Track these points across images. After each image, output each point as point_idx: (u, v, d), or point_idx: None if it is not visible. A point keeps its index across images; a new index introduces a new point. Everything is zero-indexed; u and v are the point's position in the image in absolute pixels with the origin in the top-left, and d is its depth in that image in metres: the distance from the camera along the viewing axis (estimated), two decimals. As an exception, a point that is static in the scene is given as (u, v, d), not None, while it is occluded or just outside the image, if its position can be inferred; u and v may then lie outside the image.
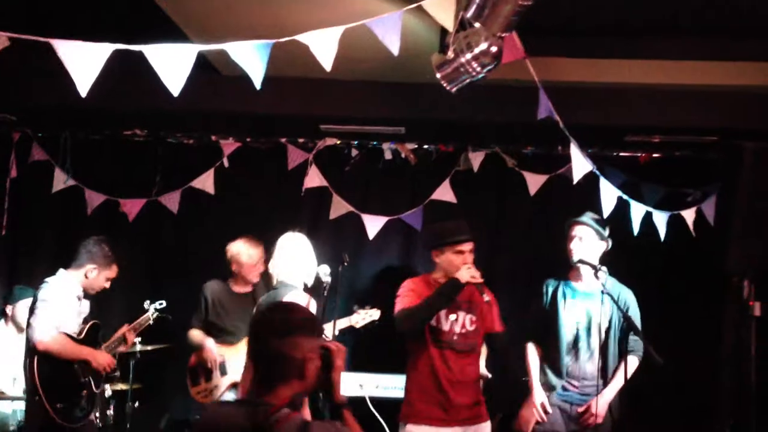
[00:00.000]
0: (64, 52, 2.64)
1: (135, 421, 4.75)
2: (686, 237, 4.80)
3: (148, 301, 4.76)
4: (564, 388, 4.18)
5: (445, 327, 3.86)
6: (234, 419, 2.09)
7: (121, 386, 4.74)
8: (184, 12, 3.91)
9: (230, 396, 4.63)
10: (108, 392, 4.57)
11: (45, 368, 3.87)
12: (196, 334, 4.84)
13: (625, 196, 4.34)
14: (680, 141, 5.18)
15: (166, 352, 4.96)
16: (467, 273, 3.78)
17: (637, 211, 4.46)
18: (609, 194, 4.23)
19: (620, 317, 4.07)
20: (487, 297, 3.88)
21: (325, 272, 3.99)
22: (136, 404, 4.79)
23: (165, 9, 3.82)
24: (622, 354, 4.07)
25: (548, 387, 4.20)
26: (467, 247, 3.88)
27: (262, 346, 2.18)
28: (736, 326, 4.67)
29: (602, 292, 3.99)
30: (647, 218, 4.54)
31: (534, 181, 5.36)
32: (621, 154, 5.39)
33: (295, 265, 3.86)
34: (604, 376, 4.11)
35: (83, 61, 2.64)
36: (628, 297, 4.19)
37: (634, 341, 4.07)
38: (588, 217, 4.22)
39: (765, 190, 3.81)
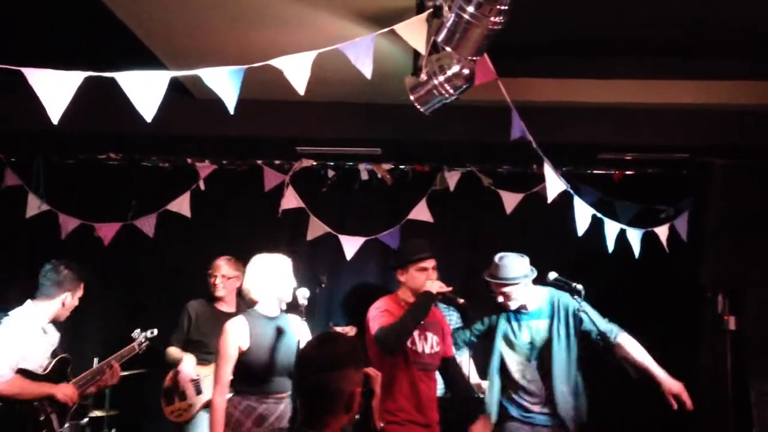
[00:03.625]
0: (35, 80, 2.62)
1: (112, 449, 4.71)
2: (661, 253, 4.85)
3: (138, 330, 4.59)
4: (526, 409, 4.16)
5: (419, 347, 3.91)
6: None
7: (97, 413, 4.67)
8: (157, 37, 3.92)
9: (204, 415, 4.58)
10: (84, 419, 4.49)
11: (1, 408, 3.67)
12: (174, 351, 4.78)
13: (599, 214, 4.38)
14: (652, 158, 5.25)
15: (142, 377, 4.90)
16: (436, 285, 3.87)
17: (612, 228, 4.49)
18: (583, 213, 4.26)
19: (575, 326, 4.11)
20: (461, 300, 3.95)
21: (303, 295, 3.96)
22: (113, 431, 4.73)
23: (139, 35, 3.82)
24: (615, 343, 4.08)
25: (506, 416, 4.20)
26: (430, 263, 3.95)
27: (311, 380, 2.18)
28: (711, 341, 4.71)
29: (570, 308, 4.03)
30: (621, 235, 4.58)
31: (510, 200, 5.41)
32: (594, 172, 5.46)
33: (266, 286, 3.68)
34: (551, 390, 4.08)
35: (55, 89, 2.62)
36: (566, 300, 4.17)
37: (608, 331, 4.07)
38: (500, 272, 4.16)
39: (735, 206, 3.87)
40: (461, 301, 3.97)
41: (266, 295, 3.66)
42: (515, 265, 4.15)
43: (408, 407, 3.84)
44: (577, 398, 4.13)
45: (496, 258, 4.22)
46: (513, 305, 4.19)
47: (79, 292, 4.08)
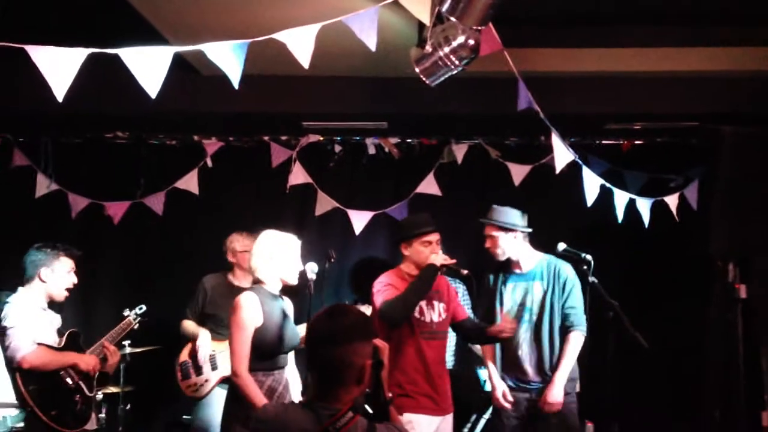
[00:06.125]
0: (39, 57, 2.62)
1: (127, 424, 4.77)
2: (671, 222, 4.83)
3: (127, 310, 4.64)
4: (520, 378, 4.21)
5: (426, 317, 3.97)
6: (300, 423, 2.13)
7: (112, 389, 4.73)
8: (160, 13, 3.90)
9: (220, 390, 4.63)
10: (99, 395, 4.55)
11: (31, 380, 3.81)
12: (189, 325, 4.82)
13: (608, 185, 4.36)
14: (661, 127, 5.21)
15: (157, 353, 4.95)
16: (440, 257, 3.90)
17: (621, 198, 4.48)
18: (591, 183, 4.24)
19: (559, 295, 4.14)
20: (465, 271, 3.97)
21: (312, 269, 3.97)
22: (128, 407, 4.79)
23: (141, 11, 3.80)
24: (566, 332, 4.14)
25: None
26: (434, 237, 3.99)
27: (323, 353, 2.19)
28: (721, 309, 4.70)
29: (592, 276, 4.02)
30: (631, 205, 4.57)
31: (518, 172, 5.39)
32: (603, 142, 5.43)
33: (273, 264, 3.62)
34: (541, 357, 4.15)
35: (59, 66, 2.62)
36: (564, 270, 4.19)
37: (574, 316, 4.13)
38: (492, 214, 4.22)
39: (744, 174, 3.84)
40: (465, 272, 4.00)
41: (273, 275, 3.63)
42: (509, 213, 4.21)
43: (417, 378, 3.90)
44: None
45: (494, 205, 4.26)
46: (500, 254, 4.21)
47: (61, 265, 4.05)
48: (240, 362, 3.43)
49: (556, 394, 4.06)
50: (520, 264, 4.27)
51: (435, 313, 4.00)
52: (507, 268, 4.31)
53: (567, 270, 4.20)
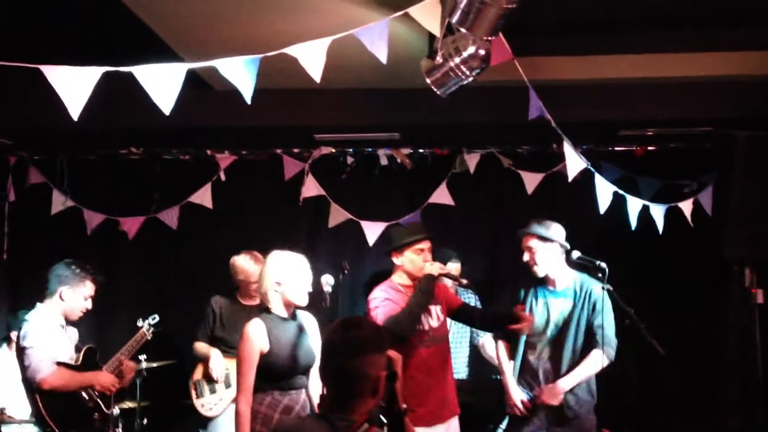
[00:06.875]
0: (54, 77, 2.66)
1: (144, 439, 4.78)
2: (685, 228, 4.80)
3: (140, 320, 4.68)
4: (532, 390, 4.16)
5: (425, 325, 3.91)
6: None
7: (129, 404, 4.74)
8: (172, 30, 3.94)
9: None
10: (116, 410, 4.56)
11: (50, 400, 3.81)
12: (201, 346, 4.84)
13: (620, 191, 4.35)
14: (674, 133, 5.19)
15: (172, 368, 4.97)
16: (435, 267, 3.87)
17: (634, 205, 4.46)
18: (604, 190, 4.23)
19: (588, 314, 4.07)
20: (464, 280, 4.01)
21: (327, 282, 3.97)
22: (145, 421, 4.80)
23: (154, 28, 3.84)
24: (590, 349, 4.06)
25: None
26: (426, 245, 3.95)
27: (338, 365, 2.20)
28: (739, 314, 4.67)
29: (603, 289, 3.98)
30: (644, 212, 4.55)
31: (531, 180, 5.39)
32: (616, 148, 5.42)
33: (281, 289, 3.56)
34: (558, 375, 4.08)
35: (73, 85, 2.65)
36: (596, 292, 4.09)
37: (601, 336, 4.02)
38: (534, 226, 4.17)
39: (759, 178, 3.83)
40: (464, 281, 3.99)
41: (280, 300, 3.58)
42: (550, 226, 4.15)
43: (420, 390, 3.82)
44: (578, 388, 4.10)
45: (534, 219, 4.22)
46: (539, 269, 4.15)
47: (83, 290, 4.07)
48: (241, 395, 3.41)
49: (552, 391, 4.00)
50: (555, 281, 4.19)
51: (433, 318, 3.96)
52: (540, 282, 4.24)
53: (599, 291, 4.08)
